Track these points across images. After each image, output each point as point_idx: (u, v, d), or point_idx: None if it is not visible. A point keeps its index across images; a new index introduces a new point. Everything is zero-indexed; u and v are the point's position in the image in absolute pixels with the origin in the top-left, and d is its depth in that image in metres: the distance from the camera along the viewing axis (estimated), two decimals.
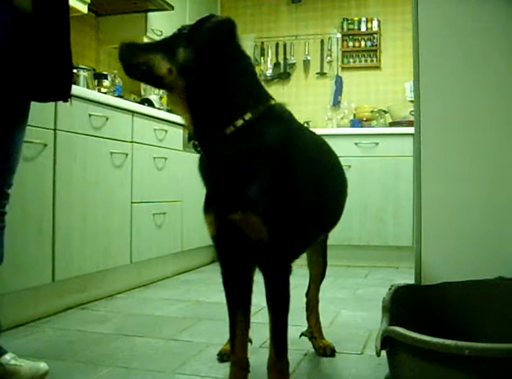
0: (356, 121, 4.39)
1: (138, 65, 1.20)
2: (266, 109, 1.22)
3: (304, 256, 1.77)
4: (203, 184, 1.28)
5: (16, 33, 1.49)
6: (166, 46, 1.19)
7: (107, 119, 2.66)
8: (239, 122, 1.17)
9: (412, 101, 3.88)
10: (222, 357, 1.73)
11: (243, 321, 1.39)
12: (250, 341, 1.73)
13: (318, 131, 1.72)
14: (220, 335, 1.79)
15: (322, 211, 1.42)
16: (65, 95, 1.64)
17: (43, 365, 1.58)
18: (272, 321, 1.28)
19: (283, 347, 1.29)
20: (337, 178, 1.60)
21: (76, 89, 2.52)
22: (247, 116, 1.18)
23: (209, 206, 1.26)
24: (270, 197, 1.20)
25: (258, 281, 1.38)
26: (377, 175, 3.88)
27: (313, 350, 1.81)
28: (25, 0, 1.49)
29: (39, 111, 2.19)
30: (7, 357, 1.55)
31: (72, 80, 1.64)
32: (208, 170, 1.25)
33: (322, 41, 4.74)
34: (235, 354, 1.40)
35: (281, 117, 1.27)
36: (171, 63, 1.17)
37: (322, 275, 1.80)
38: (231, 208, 1.20)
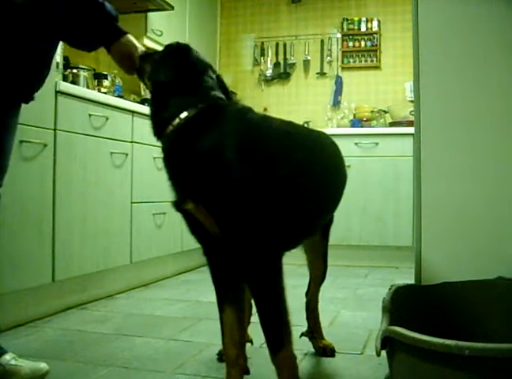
0: (356, 121, 4.39)
1: (141, 68, 1.51)
2: (205, 107, 1.31)
3: (304, 256, 1.77)
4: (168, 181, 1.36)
5: (5, 24, 1.44)
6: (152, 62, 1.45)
7: (107, 119, 2.66)
8: (176, 121, 1.30)
9: (412, 101, 3.88)
10: (221, 357, 1.73)
11: (232, 319, 1.38)
12: (251, 341, 1.73)
13: None
14: (220, 335, 1.79)
15: (292, 202, 1.32)
16: (26, 98, 1.60)
17: (43, 366, 1.58)
18: (258, 318, 1.26)
19: (275, 342, 1.26)
20: (318, 166, 1.48)
21: (76, 89, 2.52)
22: (183, 115, 1.30)
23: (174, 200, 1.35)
24: (212, 190, 1.23)
25: None
26: (377, 175, 3.88)
27: (313, 350, 1.81)
28: None
29: (39, 111, 2.19)
30: (7, 357, 1.55)
31: (38, 83, 1.60)
32: (166, 167, 1.36)
33: (322, 41, 4.74)
34: (225, 352, 1.41)
35: (223, 112, 1.31)
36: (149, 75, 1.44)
37: (323, 277, 1.80)
38: (183, 200, 1.29)
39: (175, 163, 1.32)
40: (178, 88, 1.35)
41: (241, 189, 1.22)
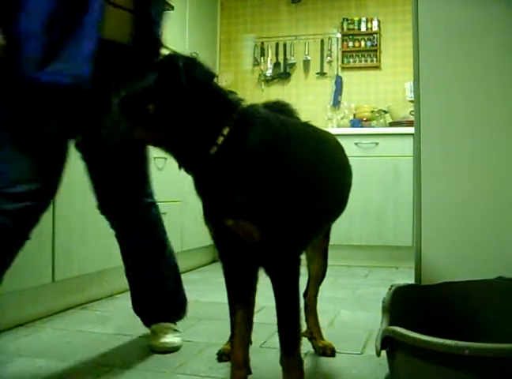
0: (356, 121, 4.39)
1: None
2: (240, 116, 1.25)
3: (304, 256, 1.77)
4: (199, 199, 1.31)
5: (106, 66, 1.49)
6: (128, 108, 1.20)
7: None
8: (220, 140, 1.22)
9: (412, 101, 3.88)
10: (221, 356, 1.73)
11: (243, 320, 1.40)
12: (250, 341, 1.73)
13: None
14: (220, 335, 1.79)
15: (319, 205, 1.40)
16: None
17: (177, 340, 1.86)
18: (277, 319, 1.28)
19: (290, 344, 1.28)
20: (335, 168, 1.55)
21: None
22: (225, 131, 1.22)
23: (207, 215, 1.31)
24: (259, 200, 1.22)
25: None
26: (377, 175, 3.88)
27: (313, 350, 1.80)
28: (117, 31, 1.56)
29: None
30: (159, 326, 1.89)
31: None
32: (203, 187, 1.29)
33: (322, 41, 4.74)
34: (233, 353, 1.41)
35: (256, 120, 1.27)
36: (144, 122, 1.20)
37: (322, 277, 1.79)
38: (225, 216, 1.25)
39: (221, 182, 1.24)
40: (201, 104, 1.20)
41: (291, 198, 1.25)
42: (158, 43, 1.70)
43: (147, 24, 1.65)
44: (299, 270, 1.29)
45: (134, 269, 1.92)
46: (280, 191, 1.23)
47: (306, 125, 1.54)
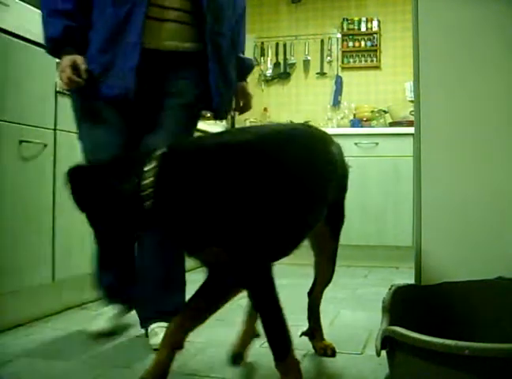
0: (356, 121, 4.40)
1: None
2: (160, 160, 1.23)
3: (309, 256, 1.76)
4: None
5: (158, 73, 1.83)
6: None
7: None
8: (148, 191, 1.21)
9: (412, 101, 3.88)
10: (235, 359, 1.68)
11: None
12: (258, 335, 1.71)
13: None
14: (220, 335, 1.79)
15: (286, 214, 1.32)
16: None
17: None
18: (263, 329, 1.29)
19: (281, 350, 1.28)
20: (296, 172, 1.38)
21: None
22: (148, 180, 1.21)
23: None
24: (217, 226, 1.23)
25: None
26: (377, 175, 3.88)
27: (313, 350, 1.80)
28: (169, 42, 1.81)
29: (39, 111, 2.19)
30: (154, 325, 1.89)
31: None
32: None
33: (322, 41, 4.75)
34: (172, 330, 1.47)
35: (177, 156, 1.27)
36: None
37: (329, 280, 1.77)
38: (192, 253, 1.40)
39: (173, 226, 1.29)
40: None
41: (238, 214, 1.23)
42: (219, 49, 1.88)
43: (204, 32, 1.84)
44: (272, 277, 1.28)
45: (144, 255, 1.94)
46: (223, 210, 1.22)
47: (260, 127, 1.50)
